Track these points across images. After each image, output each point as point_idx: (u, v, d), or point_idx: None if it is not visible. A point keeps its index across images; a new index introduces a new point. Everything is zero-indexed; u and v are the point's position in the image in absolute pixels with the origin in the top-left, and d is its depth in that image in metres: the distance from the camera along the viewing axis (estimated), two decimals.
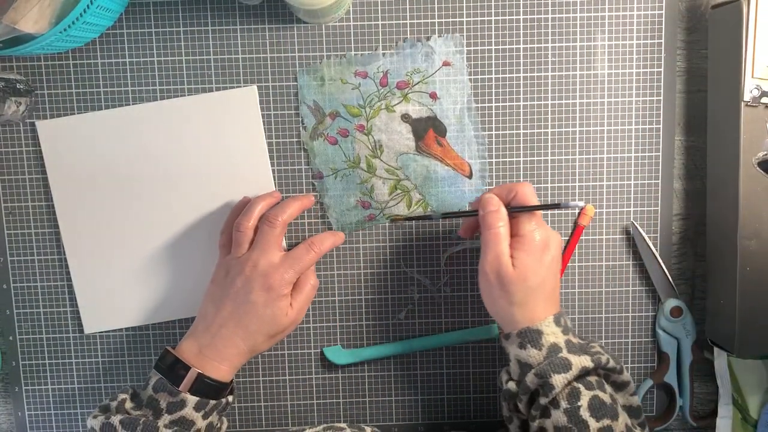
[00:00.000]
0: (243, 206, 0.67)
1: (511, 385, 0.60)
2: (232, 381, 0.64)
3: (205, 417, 0.61)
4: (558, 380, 0.56)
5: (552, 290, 0.61)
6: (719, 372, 0.71)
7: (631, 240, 0.71)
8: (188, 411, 0.60)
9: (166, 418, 0.59)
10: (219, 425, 0.64)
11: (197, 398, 0.60)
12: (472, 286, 0.71)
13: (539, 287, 0.59)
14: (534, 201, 0.61)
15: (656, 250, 0.70)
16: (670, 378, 0.71)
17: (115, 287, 0.71)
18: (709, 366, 0.72)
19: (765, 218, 0.63)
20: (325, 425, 0.65)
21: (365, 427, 0.65)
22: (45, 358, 0.72)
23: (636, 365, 0.72)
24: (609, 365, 0.59)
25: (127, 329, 0.72)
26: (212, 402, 0.61)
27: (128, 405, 0.61)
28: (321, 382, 0.73)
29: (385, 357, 0.72)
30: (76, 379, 0.73)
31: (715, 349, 0.70)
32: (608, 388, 0.59)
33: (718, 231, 0.67)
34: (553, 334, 0.59)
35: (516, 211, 0.61)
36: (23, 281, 0.71)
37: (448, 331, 0.72)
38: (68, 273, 0.71)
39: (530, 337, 0.59)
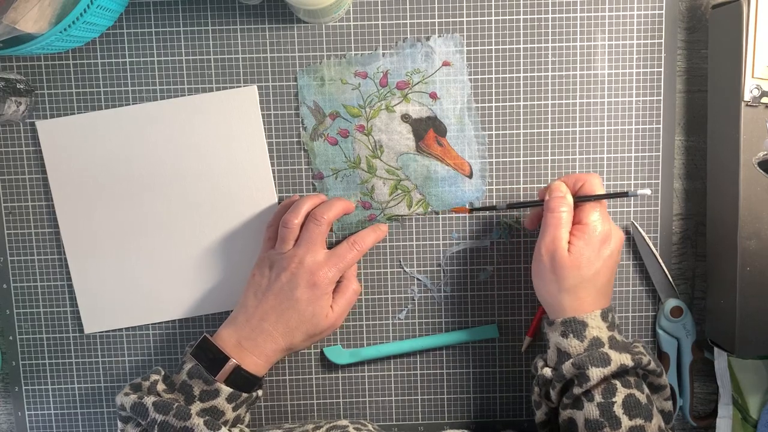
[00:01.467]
0: (290, 204, 0.67)
1: (546, 371, 0.60)
2: (264, 376, 0.64)
3: (234, 409, 0.62)
4: (594, 373, 0.57)
5: (605, 284, 0.61)
6: (719, 372, 0.71)
7: (631, 240, 0.71)
8: (220, 401, 0.60)
9: (198, 405, 0.60)
10: (244, 417, 0.65)
11: (231, 390, 0.60)
12: (472, 286, 0.71)
13: (592, 278, 0.60)
14: (601, 192, 0.62)
15: (656, 250, 0.70)
16: (671, 378, 0.71)
17: (115, 287, 0.71)
18: (709, 366, 0.72)
19: (765, 218, 0.63)
20: (328, 425, 0.64)
21: (366, 423, 0.65)
22: (45, 358, 0.72)
23: None
24: (650, 366, 0.59)
25: (127, 329, 0.72)
26: (244, 395, 0.62)
27: (160, 387, 0.61)
28: (321, 382, 0.73)
29: (385, 357, 0.72)
30: (76, 379, 0.73)
31: (715, 349, 0.70)
32: (646, 389, 0.59)
33: (718, 231, 0.67)
34: (597, 328, 0.59)
35: (581, 200, 0.62)
36: (23, 281, 0.71)
37: (448, 331, 0.72)
38: (68, 273, 0.71)
39: (574, 327, 0.59)
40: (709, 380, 0.73)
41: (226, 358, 0.61)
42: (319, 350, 0.72)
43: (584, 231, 0.60)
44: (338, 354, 0.72)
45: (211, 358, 0.61)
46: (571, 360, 0.58)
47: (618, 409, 0.57)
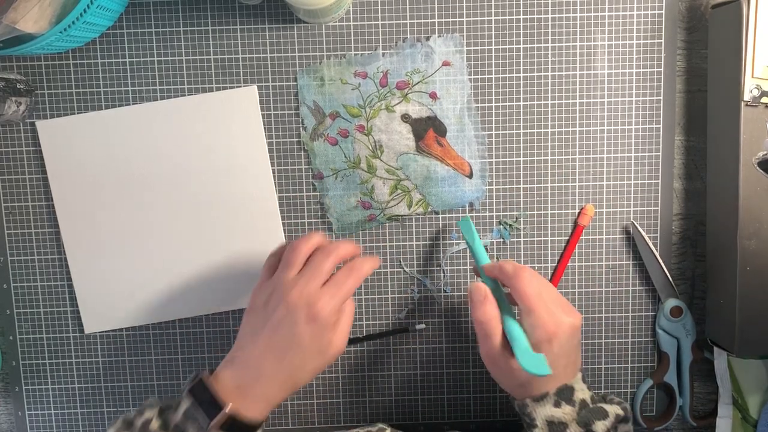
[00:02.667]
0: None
1: None
2: (264, 420, 0.59)
3: None
4: (600, 427, 0.57)
5: (575, 359, 0.59)
6: (719, 372, 0.71)
7: (631, 240, 0.71)
8: None
9: None
10: None
11: None
12: None
13: (555, 369, 0.57)
14: (530, 291, 0.57)
15: (656, 250, 0.70)
16: (670, 378, 0.71)
17: (115, 287, 0.71)
18: (709, 366, 0.72)
19: (765, 218, 0.63)
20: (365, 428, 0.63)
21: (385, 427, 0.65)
22: (45, 358, 0.72)
23: (636, 365, 0.72)
24: (629, 414, 0.60)
25: (127, 329, 0.72)
26: None
27: (154, 425, 0.56)
28: (321, 382, 0.73)
29: None
30: (76, 379, 0.73)
31: (715, 349, 0.70)
32: None
33: (718, 231, 0.67)
34: (581, 390, 0.59)
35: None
36: (23, 281, 0.71)
37: (448, 331, 0.72)
38: (68, 273, 0.71)
39: (566, 394, 0.58)
40: (709, 380, 0.73)
41: (222, 405, 0.55)
42: None
43: (529, 332, 0.57)
44: None
45: (208, 401, 0.55)
46: (575, 421, 0.57)
47: None
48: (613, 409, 0.58)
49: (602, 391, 0.66)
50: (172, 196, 0.70)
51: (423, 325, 0.72)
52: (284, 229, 0.70)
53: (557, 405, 0.58)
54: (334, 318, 0.58)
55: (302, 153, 0.70)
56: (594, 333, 0.72)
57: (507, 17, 0.68)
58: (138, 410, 0.58)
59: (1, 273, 0.71)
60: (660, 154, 0.70)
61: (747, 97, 0.62)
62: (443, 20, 0.68)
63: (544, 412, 0.58)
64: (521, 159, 0.70)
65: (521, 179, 0.70)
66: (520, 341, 0.56)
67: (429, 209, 0.70)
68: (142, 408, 0.58)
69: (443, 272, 0.71)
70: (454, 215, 0.70)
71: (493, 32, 0.68)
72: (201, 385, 0.56)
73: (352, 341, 0.71)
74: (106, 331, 0.72)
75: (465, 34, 0.68)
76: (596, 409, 0.58)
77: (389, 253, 0.71)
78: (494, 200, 0.70)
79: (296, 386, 0.59)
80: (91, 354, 0.72)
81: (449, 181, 0.69)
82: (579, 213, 0.70)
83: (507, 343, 0.58)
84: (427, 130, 0.69)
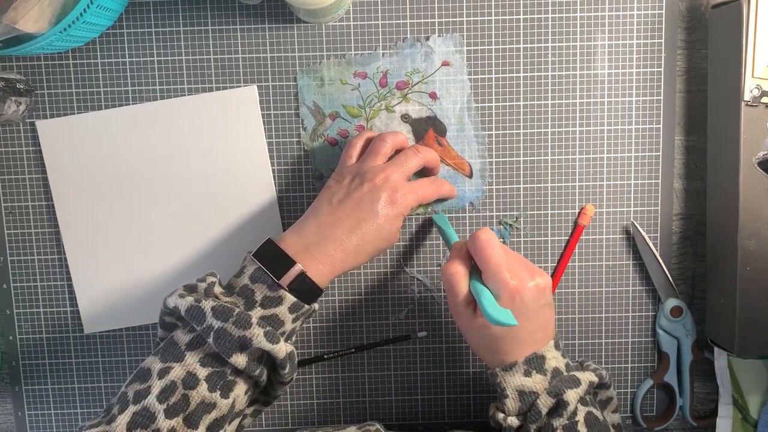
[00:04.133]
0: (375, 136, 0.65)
1: (512, 421, 0.58)
2: (325, 288, 0.60)
3: (294, 320, 0.58)
4: (571, 395, 0.56)
5: (544, 324, 0.59)
6: (719, 372, 0.71)
7: (631, 240, 0.71)
8: (282, 310, 0.56)
9: (258, 312, 0.56)
10: (296, 331, 0.60)
11: (294, 299, 0.56)
12: None
13: (516, 337, 0.57)
14: (491, 252, 0.57)
15: (656, 249, 0.70)
16: (670, 378, 0.71)
17: (115, 287, 0.71)
18: (709, 366, 0.72)
19: (765, 218, 0.63)
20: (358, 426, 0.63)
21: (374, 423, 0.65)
22: (45, 358, 0.72)
23: (636, 365, 0.72)
24: (606, 380, 0.60)
25: (127, 329, 0.72)
26: (305, 306, 0.58)
27: (217, 289, 0.57)
28: (321, 382, 0.73)
29: None
30: (76, 379, 0.73)
31: (715, 349, 0.70)
32: (597, 405, 0.60)
33: (718, 231, 0.67)
34: (554, 359, 0.58)
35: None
36: (23, 281, 0.71)
37: (448, 331, 0.72)
38: (68, 273, 0.71)
39: (536, 363, 0.57)
40: (709, 380, 0.73)
41: (292, 263, 0.56)
42: (319, 351, 0.72)
43: (496, 295, 0.57)
44: None
45: (275, 262, 0.57)
46: (545, 390, 0.56)
47: (582, 428, 0.56)
48: (586, 377, 0.57)
49: (581, 359, 0.64)
50: (171, 196, 0.70)
51: (425, 333, 0.72)
52: (284, 229, 0.70)
53: (527, 374, 0.57)
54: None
55: (302, 153, 0.70)
56: (594, 333, 0.72)
57: (507, 17, 0.68)
58: (199, 278, 0.58)
59: (1, 273, 0.71)
60: (660, 154, 0.70)
61: (747, 96, 0.62)
62: (443, 20, 0.68)
63: (514, 381, 0.58)
64: (521, 159, 0.70)
65: (521, 179, 0.70)
66: (485, 294, 0.56)
67: (429, 209, 0.70)
68: (203, 276, 0.59)
69: None
70: (454, 215, 0.70)
71: (493, 32, 0.68)
72: (268, 247, 0.58)
73: (357, 349, 0.72)
74: (106, 331, 0.72)
75: (465, 34, 0.68)
76: (568, 378, 0.57)
77: (389, 253, 0.71)
78: (494, 200, 0.70)
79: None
80: (91, 354, 0.72)
81: (449, 181, 0.69)
82: (579, 213, 0.70)
83: (474, 303, 0.58)
84: (427, 130, 0.69)
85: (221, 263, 0.70)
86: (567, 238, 0.71)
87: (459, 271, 0.58)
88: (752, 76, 0.62)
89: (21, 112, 0.68)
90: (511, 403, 0.58)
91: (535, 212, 0.70)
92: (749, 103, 0.62)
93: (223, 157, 0.69)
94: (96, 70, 0.69)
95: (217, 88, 0.69)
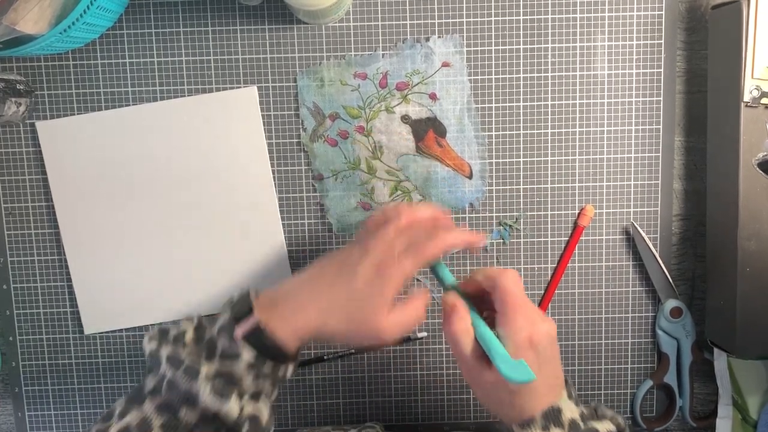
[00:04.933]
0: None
1: None
2: (295, 353, 0.55)
3: (255, 379, 0.53)
4: None
5: (556, 372, 0.55)
6: (719, 372, 0.71)
7: (631, 240, 0.71)
8: (240, 366, 0.52)
9: (214, 365, 0.52)
10: (268, 396, 0.55)
11: (254, 353, 0.52)
12: None
13: (538, 383, 0.53)
14: (515, 291, 0.53)
15: (656, 250, 0.70)
16: (670, 378, 0.71)
17: (115, 287, 0.71)
18: (709, 366, 0.72)
19: (765, 219, 0.63)
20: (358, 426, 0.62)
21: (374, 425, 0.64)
22: (45, 358, 0.72)
23: (636, 365, 0.72)
24: (622, 427, 0.56)
25: (127, 329, 0.72)
26: (268, 365, 0.53)
27: (188, 336, 0.53)
28: (321, 382, 0.73)
29: None
30: (76, 379, 0.73)
31: (715, 350, 0.70)
32: None
33: (718, 231, 0.67)
34: (569, 410, 0.55)
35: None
36: (23, 281, 0.71)
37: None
38: (68, 273, 0.71)
39: (553, 416, 0.54)
40: (709, 381, 0.73)
41: (251, 313, 0.52)
42: (319, 351, 0.72)
43: (508, 339, 0.53)
44: None
45: (240, 312, 0.53)
46: None
47: None
48: (604, 427, 0.55)
49: (593, 401, 0.63)
50: (171, 196, 0.70)
51: (425, 334, 0.72)
52: (284, 230, 0.70)
53: (545, 429, 0.54)
54: (399, 283, 0.54)
55: (302, 154, 0.70)
56: (594, 333, 0.72)
57: (507, 17, 0.68)
58: (176, 325, 0.55)
59: (1, 273, 0.71)
60: (660, 154, 0.70)
61: (747, 98, 0.62)
62: (443, 21, 0.68)
63: None
64: (521, 159, 0.70)
65: (521, 179, 0.70)
66: (496, 348, 0.52)
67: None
68: (179, 321, 0.55)
69: None
70: (453, 216, 0.70)
71: (493, 32, 0.68)
72: (240, 295, 0.54)
73: (357, 350, 0.72)
74: (105, 332, 0.72)
75: (465, 34, 0.68)
76: (588, 430, 0.54)
77: None
78: (494, 201, 0.70)
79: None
80: (91, 354, 0.72)
81: (449, 182, 0.69)
82: (579, 213, 0.70)
83: (482, 354, 0.53)
84: (427, 130, 0.69)
85: (221, 263, 0.70)
86: (567, 238, 0.71)
87: (461, 329, 0.54)
88: (752, 77, 0.61)
89: (21, 113, 0.68)
90: None
91: (535, 212, 0.70)
92: (749, 104, 0.62)
93: (223, 158, 0.69)
94: (96, 70, 0.69)
95: (217, 89, 0.69)
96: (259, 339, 0.52)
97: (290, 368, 0.55)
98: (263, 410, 0.53)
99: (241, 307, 0.53)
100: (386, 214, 0.58)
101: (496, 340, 0.53)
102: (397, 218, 0.56)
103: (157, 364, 0.52)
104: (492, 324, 0.54)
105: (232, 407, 0.51)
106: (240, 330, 0.52)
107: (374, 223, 0.58)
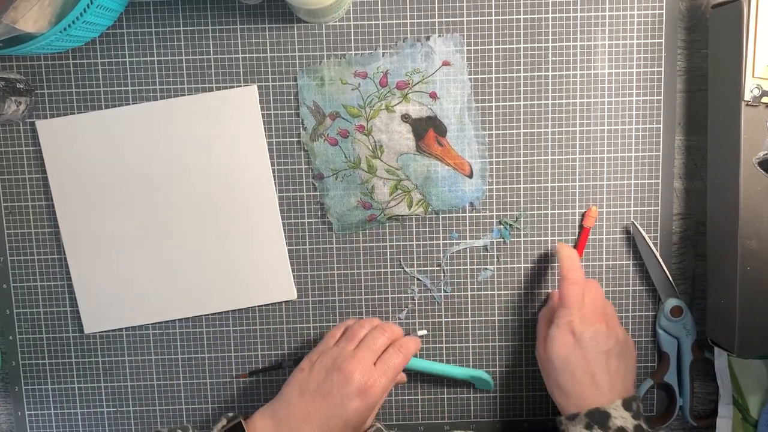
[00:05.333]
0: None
1: None
2: None
3: None
4: None
5: (611, 375, 0.60)
6: (719, 372, 0.70)
7: (632, 240, 0.71)
8: None
9: None
10: None
11: None
12: (472, 286, 0.71)
13: (578, 371, 0.60)
14: (570, 265, 0.64)
15: (656, 249, 0.70)
16: (670, 378, 0.71)
17: (115, 287, 0.71)
18: (710, 366, 0.72)
19: (765, 218, 0.63)
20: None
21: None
22: (45, 358, 0.72)
23: (636, 365, 0.72)
24: None
25: (127, 329, 0.72)
26: None
27: None
28: None
29: None
30: (76, 379, 0.73)
31: (716, 349, 0.70)
32: None
33: (718, 230, 0.67)
34: (621, 418, 0.58)
35: None
36: (23, 281, 0.71)
37: (448, 331, 0.72)
38: (68, 273, 0.71)
39: (598, 418, 0.57)
40: (709, 380, 0.73)
41: None
42: None
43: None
44: None
45: None
46: None
47: None
48: None
49: (658, 428, 0.65)
50: (172, 196, 0.70)
51: (425, 331, 0.72)
52: (284, 229, 0.70)
53: (588, 428, 0.57)
54: (383, 397, 0.62)
55: (302, 153, 0.70)
56: None
57: (507, 17, 0.68)
58: (171, 429, 0.60)
59: (1, 273, 0.71)
60: (660, 153, 0.70)
61: (747, 96, 0.62)
62: (443, 20, 0.68)
63: None
64: (521, 159, 0.70)
65: (521, 179, 0.70)
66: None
67: (429, 209, 0.70)
68: (173, 429, 0.60)
69: (443, 272, 0.71)
70: (454, 215, 0.70)
71: (493, 32, 0.68)
72: (238, 429, 0.59)
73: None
74: (106, 331, 0.72)
75: (465, 34, 0.68)
76: None
77: (389, 253, 0.71)
78: (494, 200, 0.70)
79: None
80: (91, 354, 0.72)
81: (449, 181, 0.69)
82: (584, 215, 0.70)
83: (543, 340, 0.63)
84: (427, 130, 0.69)
85: (221, 263, 0.70)
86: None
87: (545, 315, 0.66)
88: (752, 76, 0.61)
89: (21, 112, 0.68)
90: None
91: (535, 212, 0.70)
92: (749, 102, 0.62)
93: (223, 157, 0.69)
94: (96, 70, 0.69)
95: (217, 88, 0.69)
96: None
97: None
98: None
99: None
100: (341, 331, 0.66)
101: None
102: (360, 330, 0.64)
103: None
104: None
105: None
106: None
107: (333, 339, 0.65)
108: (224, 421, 0.59)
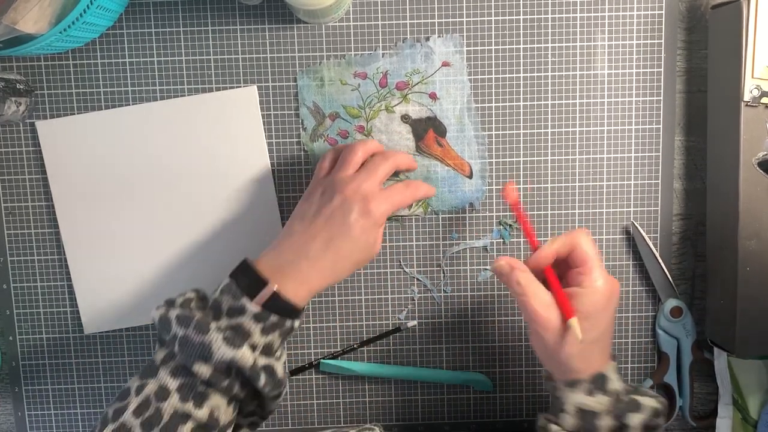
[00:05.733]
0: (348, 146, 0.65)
1: None
2: (304, 307, 0.59)
3: (264, 332, 0.56)
4: (635, 420, 0.55)
5: (608, 339, 0.59)
6: (719, 372, 0.71)
7: (631, 240, 0.71)
8: (246, 320, 0.55)
9: (223, 321, 0.56)
10: (277, 350, 0.58)
11: (258, 309, 0.55)
12: (472, 286, 0.71)
13: (600, 337, 0.57)
14: (591, 249, 0.58)
15: (656, 250, 0.70)
16: (670, 378, 0.71)
17: (115, 287, 0.71)
18: (709, 366, 0.72)
19: (765, 218, 0.63)
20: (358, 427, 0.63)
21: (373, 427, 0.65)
22: (45, 358, 0.72)
23: (636, 365, 0.72)
24: (664, 407, 0.58)
25: (127, 329, 0.72)
26: (273, 317, 0.56)
27: (194, 304, 0.58)
28: (321, 382, 0.73)
29: (379, 376, 0.72)
30: (76, 379, 0.73)
31: (715, 350, 0.70)
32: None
33: (718, 231, 0.67)
34: (615, 381, 0.58)
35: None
36: (23, 281, 0.71)
37: (448, 331, 0.72)
38: (68, 273, 0.71)
39: (600, 383, 0.57)
40: (709, 380, 0.73)
41: (265, 282, 0.56)
42: (319, 350, 0.72)
43: (587, 296, 0.56)
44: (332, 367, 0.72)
45: (249, 282, 0.56)
46: (610, 414, 0.56)
47: None
48: (649, 402, 0.57)
49: (634, 384, 0.65)
50: (172, 196, 0.70)
51: (414, 322, 0.71)
52: None
53: (590, 393, 0.57)
54: (383, 220, 0.60)
55: (302, 153, 0.70)
56: None
57: (507, 17, 0.68)
58: (181, 293, 0.59)
59: (1, 273, 0.71)
60: (660, 154, 0.70)
61: (747, 97, 0.62)
62: (443, 20, 0.68)
63: (575, 398, 0.57)
64: (521, 159, 0.70)
65: (521, 179, 0.70)
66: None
67: (429, 210, 0.70)
68: (184, 291, 0.59)
69: (443, 272, 0.71)
70: (454, 215, 0.70)
71: (493, 32, 0.68)
72: (243, 267, 0.58)
73: (345, 351, 0.71)
74: (106, 331, 0.72)
75: (465, 34, 0.68)
76: (630, 402, 0.56)
77: (389, 253, 0.71)
78: (494, 200, 0.70)
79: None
80: (91, 354, 0.72)
81: (449, 182, 0.69)
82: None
83: (548, 306, 0.57)
84: (427, 130, 0.69)
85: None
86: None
87: (528, 279, 0.58)
88: (752, 77, 0.61)
89: (21, 113, 0.68)
90: (569, 419, 0.57)
91: (535, 212, 0.70)
92: (749, 103, 0.62)
93: (223, 157, 0.69)
94: (96, 70, 0.69)
95: (217, 89, 0.69)
96: (275, 305, 0.56)
97: (296, 322, 0.58)
98: (277, 365, 0.57)
99: (247, 276, 0.57)
100: (338, 152, 0.64)
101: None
102: (353, 154, 0.62)
103: (167, 327, 0.55)
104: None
105: (245, 354, 0.54)
106: (260, 299, 0.56)
107: (331, 163, 0.64)
108: (227, 281, 0.58)
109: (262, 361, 0.56)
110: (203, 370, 0.54)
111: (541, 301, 0.57)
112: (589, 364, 0.57)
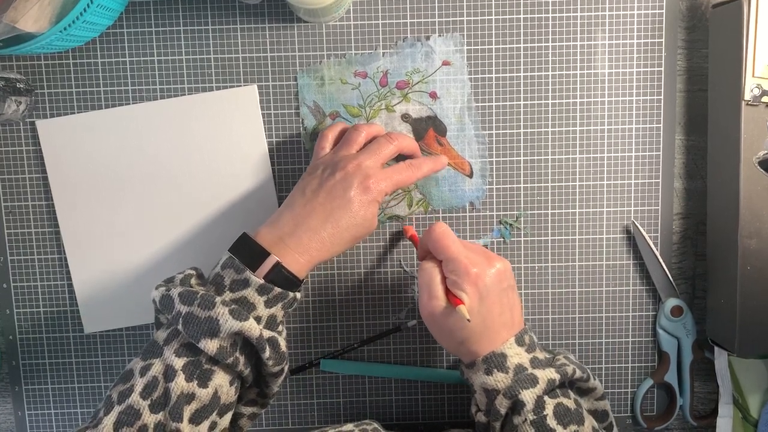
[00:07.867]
0: (349, 127, 0.66)
1: (481, 417, 0.58)
2: (304, 279, 0.61)
3: (267, 304, 0.57)
4: (527, 395, 0.55)
5: (510, 306, 0.58)
6: (720, 371, 0.71)
7: (632, 239, 0.71)
8: (250, 292, 0.57)
9: (227, 295, 0.56)
10: (279, 323, 0.59)
11: (261, 281, 0.57)
12: None
13: (485, 322, 0.57)
14: (448, 242, 0.58)
15: (657, 249, 0.70)
16: (671, 377, 0.71)
17: (115, 287, 0.71)
18: (710, 365, 0.72)
19: (765, 217, 0.63)
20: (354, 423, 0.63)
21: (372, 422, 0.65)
22: (45, 358, 0.72)
23: (636, 365, 0.72)
24: (575, 376, 0.58)
25: (127, 329, 0.72)
26: (276, 290, 0.57)
27: (193, 281, 0.59)
28: (321, 382, 0.73)
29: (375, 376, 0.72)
30: (76, 378, 0.73)
31: (716, 349, 0.70)
32: (572, 393, 0.58)
33: (718, 230, 0.67)
34: (517, 356, 0.57)
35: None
36: (23, 281, 0.71)
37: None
38: (68, 273, 0.71)
39: (495, 361, 0.57)
40: (710, 379, 0.73)
41: (266, 254, 0.57)
42: (319, 350, 0.72)
43: (459, 278, 0.57)
44: (335, 366, 0.72)
45: (250, 255, 0.57)
46: (501, 393, 0.56)
47: (551, 421, 0.55)
48: (546, 374, 0.56)
49: (555, 350, 0.65)
50: (172, 195, 0.70)
51: (414, 322, 0.71)
52: None
53: (488, 373, 0.57)
54: (381, 197, 0.61)
55: (302, 153, 0.70)
56: (594, 333, 0.72)
57: (507, 17, 0.68)
58: (180, 271, 0.60)
59: (1, 273, 0.71)
60: (660, 153, 0.70)
61: (748, 96, 0.62)
62: (443, 20, 0.68)
63: (478, 379, 0.57)
64: (521, 159, 0.70)
65: (521, 179, 0.70)
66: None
67: (429, 209, 0.70)
68: (183, 270, 0.60)
69: None
70: (454, 215, 0.70)
71: (493, 32, 0.68)
72: (243, 240, 0.59)
73: (345, 350, 0.71)
74: (106, 331, 0.72)
75: (465, 33, 0.68)
76: (525, 378, 0.56)
77: (389, 253, 0.71)
78: (494, 200, 0.70)
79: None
80: (91, 354, 0.72)
81: (450, 181, 0.69)
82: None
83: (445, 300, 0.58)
84: (427, 129, 0.69)
85: None
86: (567, 238, 0.70)
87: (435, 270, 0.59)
88: (753, 76, 0.62)
89: (21, 112, 0.68)
90: (480, 398, 0.58)
91: (535, 212, 0.70)
92: (750, 102, 0.62)
93: (223, 157, 0.69)
94: (96, 69, 0.69)
95: (217, 88, 0.69)
96: (278, 276, 0.57)
97: (298, 294, 0.60)
98: (279, 338, 0.58)
99: (247, 249, 0.58)
100: (336, 132, 0.66)
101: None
102: (357, 134, 0.64)
103: (169, 306, 0.55)
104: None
105: (252, 325, 0.55)
106: (261, 271, 0.57)
107: (333, 137, 0.66)
108: (227, 255, 0.59)
109: (267, 333, 0.57)
110: (211, 345, 0.54)
111: (430, 294, 0.58)
112: (482, 344, 0.57)
